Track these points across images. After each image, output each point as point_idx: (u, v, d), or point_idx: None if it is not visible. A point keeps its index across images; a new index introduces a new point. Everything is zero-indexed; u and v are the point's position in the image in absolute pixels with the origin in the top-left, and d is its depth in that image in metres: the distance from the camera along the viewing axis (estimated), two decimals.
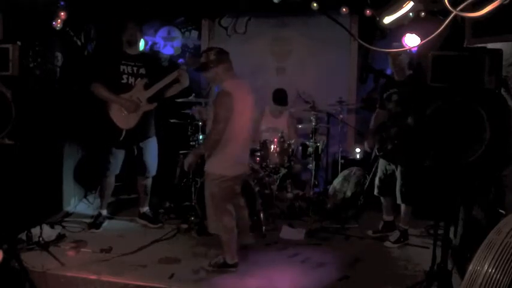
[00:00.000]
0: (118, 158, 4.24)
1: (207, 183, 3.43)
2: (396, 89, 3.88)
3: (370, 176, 4.53)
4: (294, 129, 5.24)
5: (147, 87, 4.08)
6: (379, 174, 4.11)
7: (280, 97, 5.08)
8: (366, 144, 4.16)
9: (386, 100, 3.97)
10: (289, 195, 4.85)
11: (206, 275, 3.34)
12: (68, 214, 4.62)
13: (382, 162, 4.09)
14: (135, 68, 4.15)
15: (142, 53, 4.26)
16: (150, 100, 4.10)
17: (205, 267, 3.43)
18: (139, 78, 4.13)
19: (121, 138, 4.10)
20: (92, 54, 5.09)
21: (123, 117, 4.08)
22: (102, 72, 4.10)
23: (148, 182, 4.41)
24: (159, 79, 4.04)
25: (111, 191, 4.45)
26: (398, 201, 3.92)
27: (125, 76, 4.11)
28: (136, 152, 4.24)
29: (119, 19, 4.34)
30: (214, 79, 3.38)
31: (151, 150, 4.31)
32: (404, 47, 3.85)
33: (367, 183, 4.65)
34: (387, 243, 3.97)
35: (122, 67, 4.11)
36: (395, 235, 3.99)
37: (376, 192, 4.15)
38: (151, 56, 4.77)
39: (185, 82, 4.15)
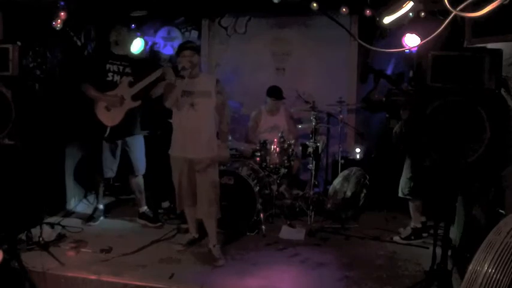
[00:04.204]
0: (110, 154, 4.30)
1: (212, 170, 3.60)
2: None
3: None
4: (293, 123, 5.23)
5: (131, 85, 4.15)
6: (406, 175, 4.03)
7: (275, 91, 5.06)
8: None
9: None
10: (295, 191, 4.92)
11: (206, 274, 3.34)
12: (70, 213, 4.66)
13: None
14: (121, 67, 4.25)
15: (129, 53, 4.36)
16: (134, 98, 4.16)
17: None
18: (124, 76, 4.22)
19: (106, 135, 4.19)
20: (91, 54, 5.10)
21: (108, 114, 4.16)
22: (90, 72, 4.21)
23: (140, 180, 4.46)
24: (144, 78, 4.08)
25: (104, 186, 4.59)
26: (400, 194, 3.95)
27: (110, 74, 4.22)
28: (122, 150, 4.33)
29: (111, 20, 4.40)
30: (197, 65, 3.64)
31: (137, 147, 4.39)
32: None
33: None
34: (396, 238, 3.99)
35: (108, 65, 4.22)
36: (406, 231, 4.00)
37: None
38: (138, 56, 4.81)
39: (171, 78, 4.18)
